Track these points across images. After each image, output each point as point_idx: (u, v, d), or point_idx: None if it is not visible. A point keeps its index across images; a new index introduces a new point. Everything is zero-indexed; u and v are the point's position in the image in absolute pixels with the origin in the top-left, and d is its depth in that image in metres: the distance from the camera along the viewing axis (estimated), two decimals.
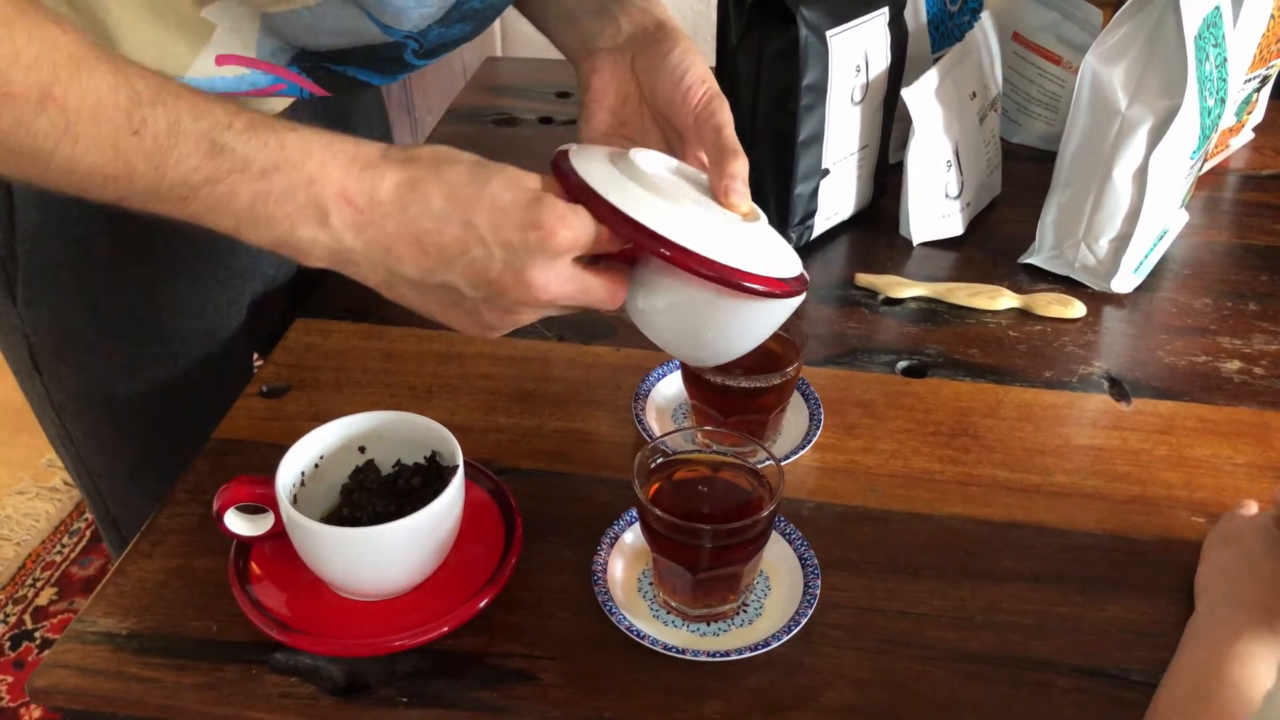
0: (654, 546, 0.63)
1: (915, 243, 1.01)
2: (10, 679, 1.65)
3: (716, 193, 0.62)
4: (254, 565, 0.66)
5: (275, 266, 0.92)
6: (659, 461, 0.65)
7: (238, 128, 0.53)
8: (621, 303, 0.61)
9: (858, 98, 0.96)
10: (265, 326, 0.96)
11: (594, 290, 0.58)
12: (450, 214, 0.55)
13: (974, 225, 1.04)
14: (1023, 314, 0.92)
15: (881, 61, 0.97)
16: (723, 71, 0.94)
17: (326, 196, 0.54)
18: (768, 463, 0.64)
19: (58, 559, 1.85)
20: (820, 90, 0.92)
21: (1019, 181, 1.11)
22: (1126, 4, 0.87)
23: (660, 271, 0.59)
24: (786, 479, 0.65)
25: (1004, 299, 0.93)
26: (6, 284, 0.80)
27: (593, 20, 0.71)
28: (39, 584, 1.80)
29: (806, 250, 1.00)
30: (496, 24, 2.18)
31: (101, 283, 0.82)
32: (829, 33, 0.90)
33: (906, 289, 0.94)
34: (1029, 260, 0.98)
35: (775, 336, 0.76)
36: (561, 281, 0.56)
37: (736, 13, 0.91)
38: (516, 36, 2.16)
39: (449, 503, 0.62)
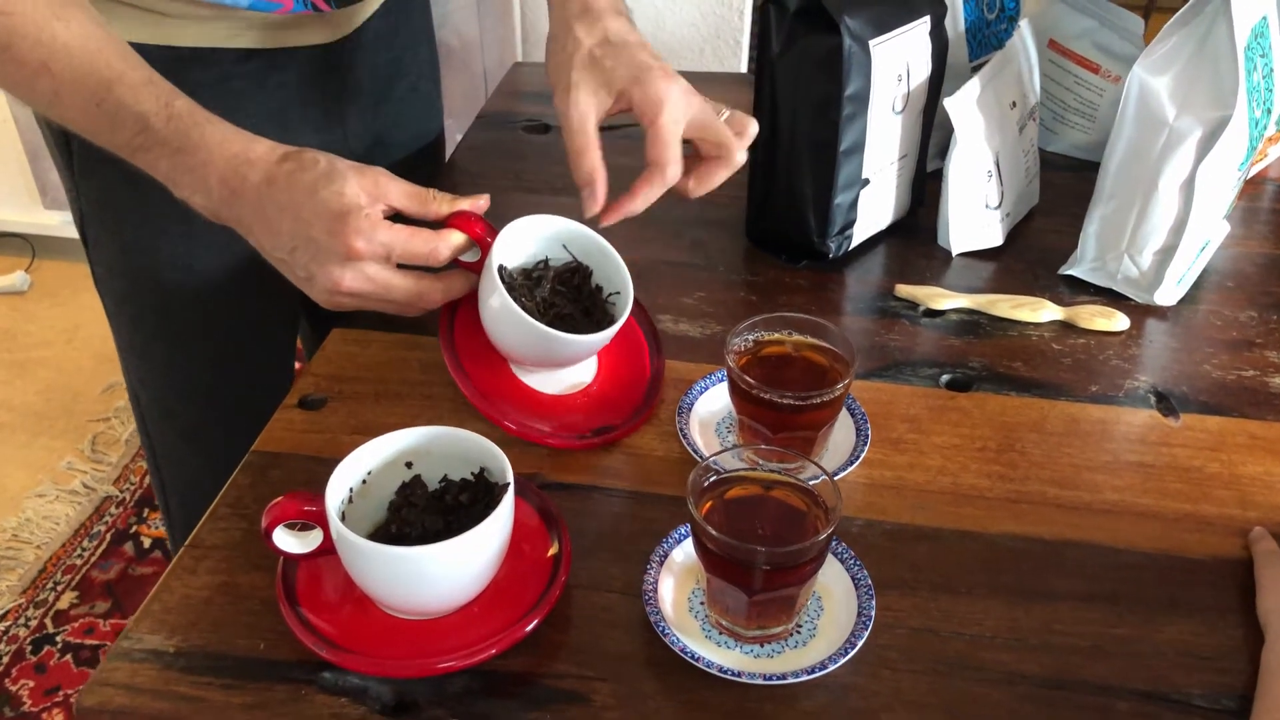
0: (708, 567, 0.62)
1: (954, 253, 1.00)
2: (32, 683, 1.64)
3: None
4: (301, 582, 0.65)
5: None
6: (711, 480, 0.64)
7: (163, 116, 0.71)
8: (425, 308, 0.76)
9: (899, 107, 0.95)
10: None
11: (396, 290, 0.73)
12: (285, 209, 0.71)
13: (1012, 235, 1.03)
14: (1065, 326, 0.91)
15: (923, 70, 0.96)
16: (763, 80, 0.93)
17: (210, 178, 0.72)
18: (820, 479, 0.63)
19: (78, 562, 1.85)
20: (862, 100, 0.91)
21: (1055, 191, 1.10)
22: (1176, 14, 0.86)
23: (483, 279, 0.75)
24: None
25: (1046, 311, 0.91)
26: (68, 157, 0.93)
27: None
28: (60, 587, 1.80)
29: (845, 260, 0.99)
30: (517, 24, 2.16)
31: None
32: (872, 42, 0.89)
33: (947, 300, 0.93)
34: (1069, 271, 0.97)
35: (824, 351, 0.76)
36: (360, 280, 0.72)
37: (778, 22, 0.90)
38: (539, 40, 2.15)
39: (501, 521, 0.61)
